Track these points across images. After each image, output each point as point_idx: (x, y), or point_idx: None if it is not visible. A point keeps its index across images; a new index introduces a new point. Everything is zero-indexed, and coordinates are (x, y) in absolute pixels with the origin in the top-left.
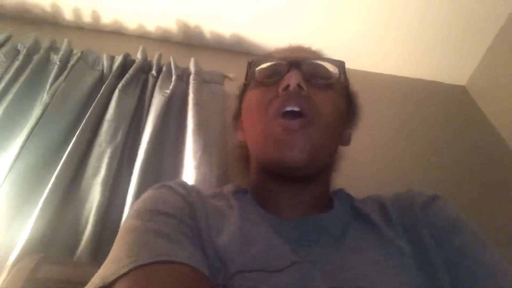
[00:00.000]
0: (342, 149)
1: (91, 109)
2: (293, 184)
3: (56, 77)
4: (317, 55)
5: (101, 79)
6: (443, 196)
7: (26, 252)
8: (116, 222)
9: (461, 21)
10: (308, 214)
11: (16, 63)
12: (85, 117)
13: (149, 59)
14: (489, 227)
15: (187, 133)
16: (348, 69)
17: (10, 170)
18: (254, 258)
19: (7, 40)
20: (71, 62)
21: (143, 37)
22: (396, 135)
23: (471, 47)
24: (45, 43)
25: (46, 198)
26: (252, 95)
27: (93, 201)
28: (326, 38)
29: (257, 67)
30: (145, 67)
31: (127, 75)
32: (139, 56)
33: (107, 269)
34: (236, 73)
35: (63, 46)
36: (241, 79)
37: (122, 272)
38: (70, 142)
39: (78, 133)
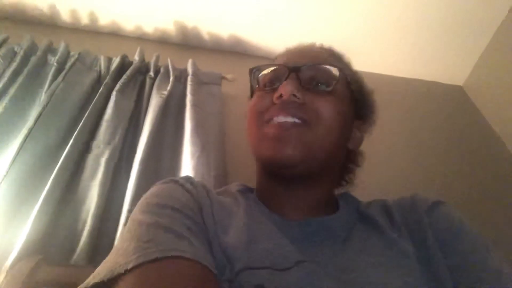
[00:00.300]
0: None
1: (88, 110)
2: (293, 184)
3: (54, 79)
4: (323, 57)
5: (99, 81)
6: (447, 202)
7: (24, 254)
8: (114, 223)
9: (458, 22)
10: (312, 216)
11: (13, 65)
12: (82, 118)
13: (146, 60)
14: (485, 225)
15: (185, 134)
16: None
17: (7, 171)
18: (260, 256)
19: (4, 41)
20: (69, 64)
21: (140, 38)
22: (393, 135)
23: (468, 47)
24: (42, 44)
25: (44, 200)
26: (252, 101)
27: (91, 202)
28: (323, 38)
29: (259, 73)
30: (142, 69)
31: (124, 77)
32: (136, 57)
33: (114, 262)
34: (234, 74)
35: (60, 48)
36: (239, 80)
37: (130, 266)
38: (68, 143)
39: (76, 135)
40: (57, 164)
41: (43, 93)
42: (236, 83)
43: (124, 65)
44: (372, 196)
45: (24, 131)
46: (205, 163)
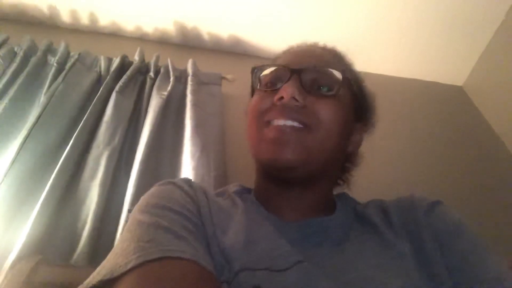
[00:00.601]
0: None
1: (88, 111)
2: (291, 187)
3: (54, 79)
4: (325, 59)
5: (99, 81)
6: (444, 202)
7: (24, 255)
8: (114, 223)
9: (458, 22)
10: (310, 217)
11: (13, 65)
12: (82, 119)
13: (146, 60)
14: (485, 226)
15: (185, 134)
16: None
17: (7, 172)
18: (259, 257)
19: (4, 42)
20: (69, 64)
21: (140, 38)
22: (392, 136)
23: (468, 47)
24: (42, 45)
25: (44, 200)
26: (253, 101)
27: (91, 202)
28: (323, 39)
29: (260, 73)
30: (142, 69)
31: (124, 77)
32: (136, 57)
33: (114, 262)
34: (234, 75)
35: (60, 48)
36: (239, 80)
37: (129, 266)
38: (68, 144)
39: (76, 135)
40: (57, 165)
41: (43, 94)
42: (236, 83)
43: (124, 65)
44: (372, 196)
45: (24, 132)
46: (205, 163)
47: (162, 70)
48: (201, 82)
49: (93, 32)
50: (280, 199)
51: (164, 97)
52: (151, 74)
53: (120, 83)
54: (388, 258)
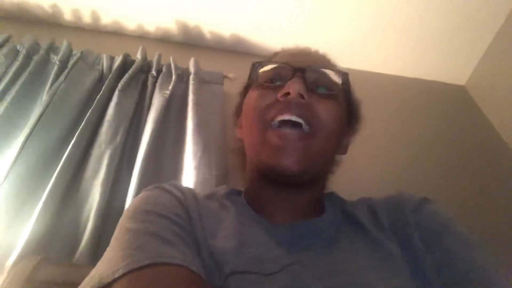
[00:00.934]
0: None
1: (90, 109)
2: (286, 189)
3: (56, 78)
4: (323, 61)
5: (101, 80)
6: (433, 199)
7: (26, 253)
8: (116, 222)
9: (460, 21)
10: (300, 219)
11: (16, 64)
12: (84, 117)
13: (148, 59)
14: (486, 226)
15: (187, 134)
16: (347, 68)
17: (9, 170)
18: (249, 260)
19: (6, 40)
20: (71, 62)
21: (142, 37)
22: (395, 135)
23: (471, 47)
24: (44, 43)
25: (46, 199)
26: (252, 96)
27: (92, 202)
28: (325, 38)
29: (260, 68)
30: (144, 67)
31: (126, 75)
32: (138, 56)
33: (102, 271)
34: (236, 73)
35: (63, 47)
36: (241, 79)
37: (117, 274)
38: (70, 142)
39: (78, 134)
40: (59, 163)
41: (45, 92)
42: (238, 82)
43: (126, 63)
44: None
45: (26, 130)
46: (207, 163)
47: (164, 68)
48: (203, 81)
49: (95, 31)
50: (272, 201)
51: (166, 95)
52: (153, 72)
53: (122, 81)
54: (377, 259)
